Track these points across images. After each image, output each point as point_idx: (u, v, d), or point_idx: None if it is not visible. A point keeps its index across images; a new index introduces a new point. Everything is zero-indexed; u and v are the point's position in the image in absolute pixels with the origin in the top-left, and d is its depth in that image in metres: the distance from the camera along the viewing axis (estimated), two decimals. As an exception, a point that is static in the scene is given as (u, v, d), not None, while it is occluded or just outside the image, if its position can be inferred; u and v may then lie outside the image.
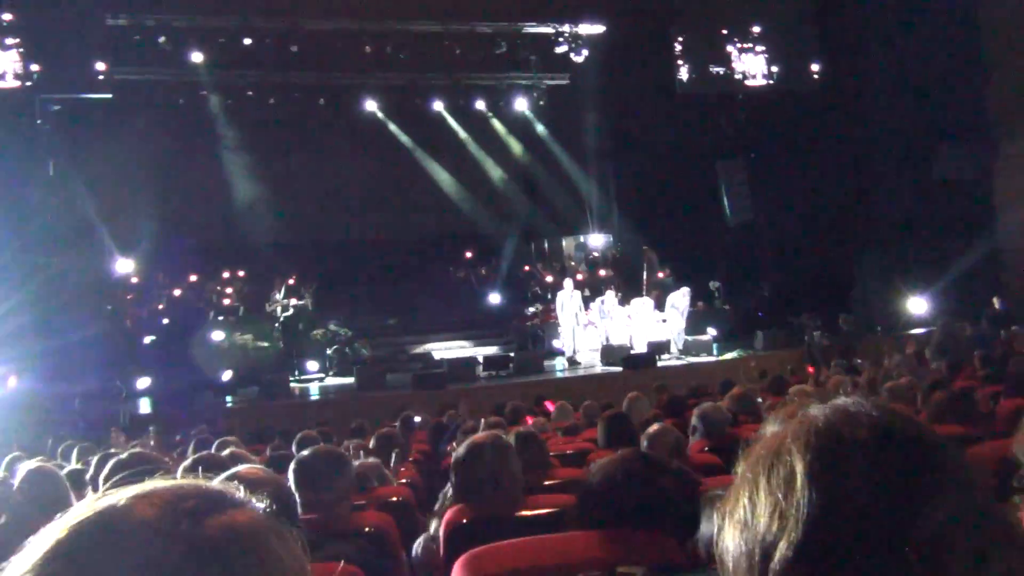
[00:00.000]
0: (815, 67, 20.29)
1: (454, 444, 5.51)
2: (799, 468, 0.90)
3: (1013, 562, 0.85)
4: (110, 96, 17.24)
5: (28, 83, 16.15)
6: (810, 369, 12.39)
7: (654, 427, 4.48)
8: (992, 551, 0.85)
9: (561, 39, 19.74)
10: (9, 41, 16.05)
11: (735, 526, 0.94)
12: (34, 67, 16.13)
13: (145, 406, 14.33)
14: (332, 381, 16.03)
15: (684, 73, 19.96)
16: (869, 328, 17.54)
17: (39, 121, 16.70)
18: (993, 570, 0.84)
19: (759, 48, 20.33)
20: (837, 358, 13.37)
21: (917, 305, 17.82)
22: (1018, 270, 17.73)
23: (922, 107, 17.66)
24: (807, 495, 0.88)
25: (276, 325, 16.69)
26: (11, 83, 16.04)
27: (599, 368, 15.73)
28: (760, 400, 7.34)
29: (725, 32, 20.27)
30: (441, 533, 2.98)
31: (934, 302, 17.50)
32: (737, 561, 0.92)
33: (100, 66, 16.95)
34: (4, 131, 15.41)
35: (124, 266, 17.26)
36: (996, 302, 16.42)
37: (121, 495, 0.83)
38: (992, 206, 18.32)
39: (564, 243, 21.80)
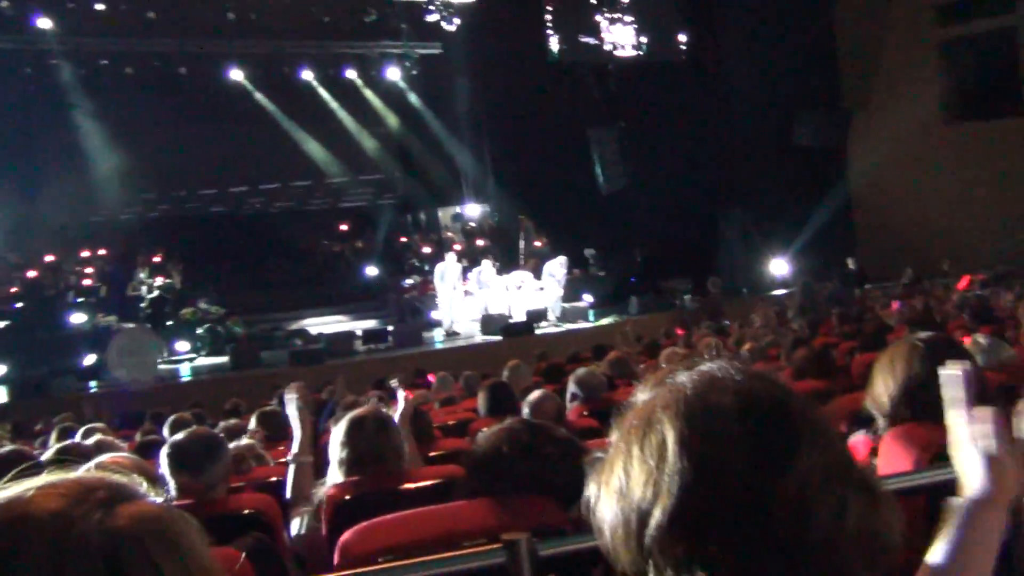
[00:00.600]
0: (682, 38, 20.76)
1: (333, 420, 5.45)
2: (670, 437, 0.94)
3: (868, 506, 0.92)
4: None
5: None
6: (679, 331, 12.78)
7: (535, 394, 4.54)
8: (851, 499, 0.92)
9: (432, 7, 19.46)
10: None
11: (611, 495, 0.97)
12: None
13: (1, 395, 13.54)
14: (204, 361, 15.46)
15: (555, 43, 20.04)
16: (736, 290, 18.28)
17: None
18: (853, 515, 0.91)
19: (628, 19, 20.60)
20: (706, 319, 13.89)
21: (779, 267, 18.74)
22: (869, 232, 18.87)
23: (781, 77, 18.38)
24: (679, 463, 0.92)
25: (142, 305, 16.00)
26: None
27: (478, 338, 15.79)
28: (638, 364, 7.56)
29: (594, 2, 20.46)
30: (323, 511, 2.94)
31: (794, 263, 18.43)
32: (614, 529, 0.96)
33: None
34: None
35: (-30, 248, 16.16)
36: (850, 262, 17.43)
37: (22, 488, 0.83)
38: (845, 171, 19.39)
39: (440, 214, 21.68)
